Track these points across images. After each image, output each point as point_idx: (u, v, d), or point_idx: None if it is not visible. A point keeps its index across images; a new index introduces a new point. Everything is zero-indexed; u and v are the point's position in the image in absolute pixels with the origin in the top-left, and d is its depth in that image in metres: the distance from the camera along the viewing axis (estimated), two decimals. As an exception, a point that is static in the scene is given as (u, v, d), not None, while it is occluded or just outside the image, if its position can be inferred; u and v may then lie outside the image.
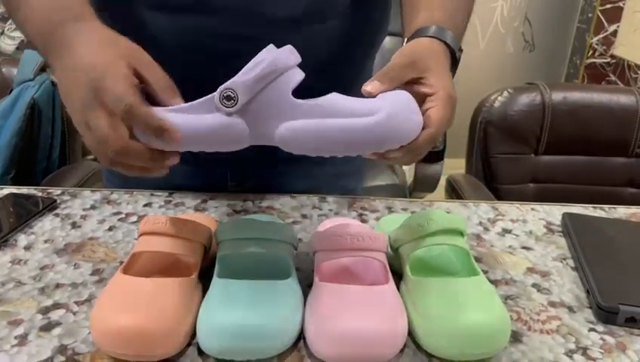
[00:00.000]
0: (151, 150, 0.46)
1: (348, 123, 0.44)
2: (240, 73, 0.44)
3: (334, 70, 0.52)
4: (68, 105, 0.48)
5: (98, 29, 0.50)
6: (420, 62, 0.50)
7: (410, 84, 0.50)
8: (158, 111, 0.45)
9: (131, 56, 0.47)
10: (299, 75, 0.45)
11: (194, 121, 0.45)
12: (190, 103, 0.45)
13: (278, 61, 0.44)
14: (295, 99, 0.45)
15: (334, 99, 0.46)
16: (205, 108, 0.45)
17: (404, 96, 0.47)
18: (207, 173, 0.75)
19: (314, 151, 0.46)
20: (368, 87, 0.48)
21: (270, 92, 0.44)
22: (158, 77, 0.47)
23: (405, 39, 0.56)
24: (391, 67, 0.50)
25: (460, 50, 0.57)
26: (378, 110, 0.45)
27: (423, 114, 0.48)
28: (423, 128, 0.47)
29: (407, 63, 0.50)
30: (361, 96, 0.48)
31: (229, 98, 0.43)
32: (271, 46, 0.45)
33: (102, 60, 0.46)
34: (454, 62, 0.55)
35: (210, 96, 0.44)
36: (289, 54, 0.45)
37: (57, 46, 0.49)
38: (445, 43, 0.53)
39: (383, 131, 0.45)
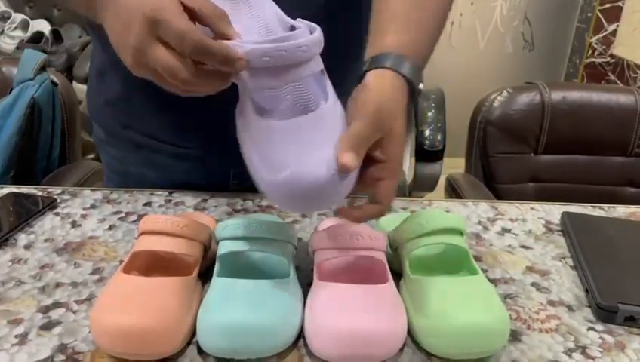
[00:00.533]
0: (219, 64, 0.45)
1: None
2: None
3: (327, 69, 0.52)
4: (122, 53, 0.48)
5: None
6: (384, 123, 0.48)
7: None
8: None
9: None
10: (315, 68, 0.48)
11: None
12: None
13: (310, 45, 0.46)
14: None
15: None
16: None
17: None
18: (210, 171, 0.75)
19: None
20: (347, 162, 0.44)
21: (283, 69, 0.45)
22: (210, 8, 0.47)
23: (367, 57, 0.53)
24: (361, 135, 0.46)
25: (420, 81, 0.54)
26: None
27: (371, 178, 0.48)
28: (373, 201, 0.49)
29: (374, 128, 0.47)
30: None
31: None
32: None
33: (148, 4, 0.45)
34: (412, 96, 0.53)
35: None
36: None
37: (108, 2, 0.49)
38: (404, 77, 0.51)
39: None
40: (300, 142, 0.45)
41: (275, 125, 0.46)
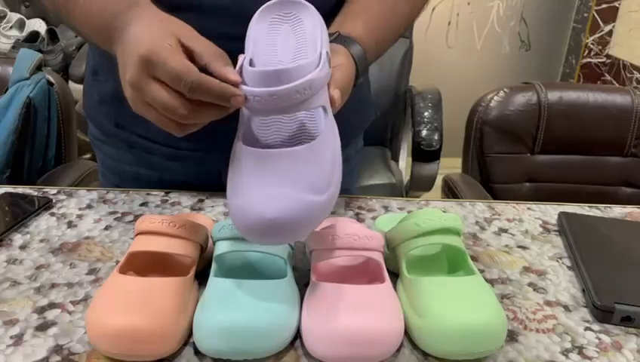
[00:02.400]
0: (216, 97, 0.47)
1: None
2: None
3: None
4: (125, 88, 0.50)
5: (150, 10, 0.52)
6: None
7: None
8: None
9: (178, 31, 0.49)
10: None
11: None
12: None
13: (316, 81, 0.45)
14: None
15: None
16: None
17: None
18: (204, 171, 0.75)
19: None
20: (337, 104, 0.50)
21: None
22: (206, 46, 0.48)
23: (332, 34, 0.59)
24: (345, 82, 0.53)
25: (365, 69, 0.61)
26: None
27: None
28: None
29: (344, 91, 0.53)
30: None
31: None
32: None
33: (148, 37, 0.47)
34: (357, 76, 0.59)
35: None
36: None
37: (119, 35, 0.51)
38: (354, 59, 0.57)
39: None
40: (268, 174, 0.45)
41: (251, 151, 0.46)
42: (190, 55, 0.48)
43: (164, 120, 0.49)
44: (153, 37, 0.47)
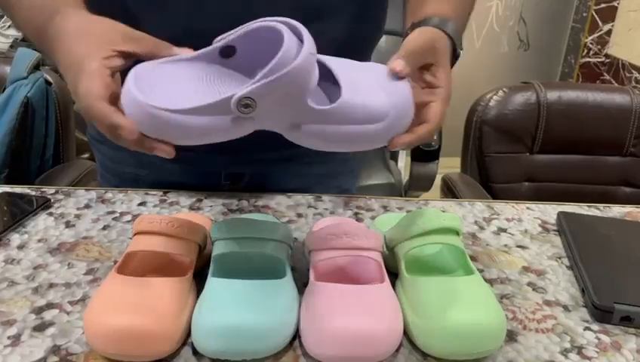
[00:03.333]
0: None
1: (356, 130, 0.45)
2: (259, 77, 0.41)
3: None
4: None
5: (73, 18, 0.49)
6: (437, 50, 0.51)
7: (420, 70, 0.51)
8: (168, 115, 0.42)
9: (113, 40, 0.46)
10: (316, 78, 0.44)
11: (206, 122, 0.43)
12: (201, 105, 0.42)
13: (299, 70, 0.42)
14: (310, 104, 0.44)
15: (347, 104, 0.45)
16: (218, 110, 0.43)
17: (407, 97, 0.48)
18: (202, 172, 0.75)
19: (321, 148, 0.47)
20: (397, 67, 0.48)
21: (287, 98, 0.43)
22: (143, 45, 0.47)
23: (409, 25, 0.55)
24: (416, 49, 0.50)
25: (461, 48, 0.57)
26: (385, 116, 0.46)
27: (424, 105, 0.49)
28: (421, 122, 0.49)
29: (429, 47, 0.51)
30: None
31: (247, 106, 0.42)
32: (288, 39, 0.42)
33: (75, 59, 0.45)
34: (453, 58, 0.56)
35: (223, 98, 0.42)
36: (310, 57, 0.43)
37: (49, 45, 0.49)
38: (449, 37, 0.54)
39: (386, 134, 0.47)
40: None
41: None
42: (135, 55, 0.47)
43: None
44: (82, 56, 0.45)
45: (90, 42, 0.46)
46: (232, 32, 0.46)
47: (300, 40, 0.43)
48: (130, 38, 0.47)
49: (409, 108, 0.47)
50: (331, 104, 0.45)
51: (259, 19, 0.45)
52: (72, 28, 0.48)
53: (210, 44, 0.51)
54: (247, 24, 0.45)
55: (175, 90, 0.45)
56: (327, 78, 0.48)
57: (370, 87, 0.47)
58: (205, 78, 0.47)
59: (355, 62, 0.50)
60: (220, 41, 0.46)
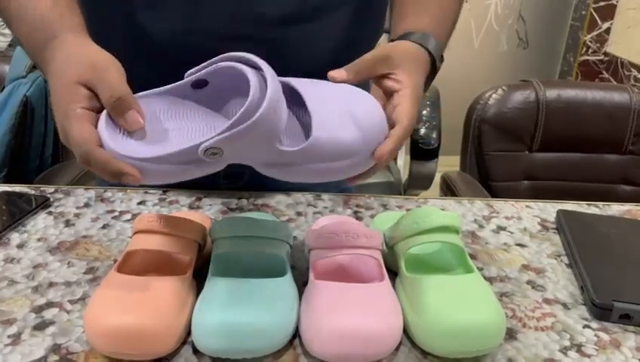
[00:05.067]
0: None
1: (326, 167, 0.46)
2: (227, 127, 0.41)
3: (326, 71, 0.52)
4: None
5: (66, 45, 0.48)
6: (393, 59, 0.51)
7: (379, 78, 0.51)
8: (139, 163, 0.42)
9: (87, 79, 0.45)
10: (284, 121, 0.44)
11: (176, 168, 0.43)
12: (167, 152, 0.42)
13: (263, 120, 0.41)
14: (278, 148, 0.44)
15: (316, 144, 0.45)
16: (187, 157, 0.43)
17: (378, 119, 0.48)
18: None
19: (300, 181, 0.47)
20: (335, 73, 0.49)
21: (254, 144, 0.43)
22: (107, 97, 0.45)
23: (405, 34, 0.56)
24: (363, 59, 0.51)
25: (441, 60, 0.58)
26: (356, 153, 0.46)
27: (392, 110, 0.49)
28: (393, 126, 0.48)
29: (380, 57, 0.51)
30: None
31: (214, 153, 0.42)
32: (254, 82, 0.42)
33: (61, 94, 0.45)
34: (433, 71, 0.57)
35: (189, 147, 0.42)
36: (273, 104, 0.42)
37: (44, 69, 0.50)
38: (427, 50, 0.54)
39: (359, 167, 0.48)
40: None
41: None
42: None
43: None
44: (64, 95, 0.45)
45: (70, 78, 0.45)
46: (201, 66, 0.46)
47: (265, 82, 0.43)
48: (104, 81, 0.45)
49: (380, 132, 0.47)
50: (303, 142, 0.45)
51: (226, 55, 0.45)
52: (58, 60, 0.47)
53: (210, 43, 0.51)
54: (216, 59, 0.45)
55: (148, 129, 0.45)
56: (298, 102, 0.48)
57: (340, 114, 0.47)
58: (177, 114, 0.48)
59: (322, 82, 0.50)
60: (190, 76, 0.47)
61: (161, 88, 0.47)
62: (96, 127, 0.44)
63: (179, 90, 0.48)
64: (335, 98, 0.48)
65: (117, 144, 0.43)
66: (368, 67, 0.51)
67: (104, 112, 0.44)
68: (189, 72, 0.47)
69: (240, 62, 0.44)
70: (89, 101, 0.44)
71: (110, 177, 0.43)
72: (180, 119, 0.48)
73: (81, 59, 0.46)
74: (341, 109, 0.47)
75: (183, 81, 0.47)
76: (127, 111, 0.44)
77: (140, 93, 0.46)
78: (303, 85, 0.48)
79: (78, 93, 0.45)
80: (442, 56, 0.59)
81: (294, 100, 0.48)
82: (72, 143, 0.44)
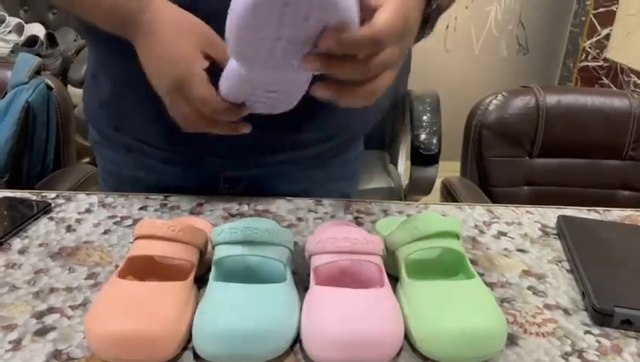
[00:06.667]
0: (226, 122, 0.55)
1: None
2: None
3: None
4: (155, 87, 0.56)
5: (171, 13, 0.55)
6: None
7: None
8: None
9: (204, 43, 0.54)
10: None
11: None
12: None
13: None
14: None
15: None
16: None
17: None
18: (201, 175, 0.75)
19: None
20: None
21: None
22: (223, 55, 0.51)
23: None
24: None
25: (438, 12, 0.53)
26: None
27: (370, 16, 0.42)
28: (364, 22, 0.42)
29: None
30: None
31: None
32: None
33: (181, 56, 0.53)
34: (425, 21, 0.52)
35: None
36: None
37: (137, 24, 0.55)
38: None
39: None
40: None
41: None
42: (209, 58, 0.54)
43: (181, 122, 0.57)
44: (186, 57, 0.53)
45: (188, 44, 0.54)
46: None
47: None
48: (217, 44, 0.54)
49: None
50: None
51: None
52: (172, 23, 0.55)
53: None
54: None
55: None
56: None
57: None
58: None
59: None
60: None
61: None
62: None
63: None
64: None
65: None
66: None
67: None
68: None
69: None
70: (203, 63, 0.54)
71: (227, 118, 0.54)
72: None
73: (195, 26, 0.55)
74: None
75: None
76: None
77: None
78: None
79: (197, 54, 0.54)
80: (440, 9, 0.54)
81: None
82: (199, 100, 0.53)
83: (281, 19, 0.40)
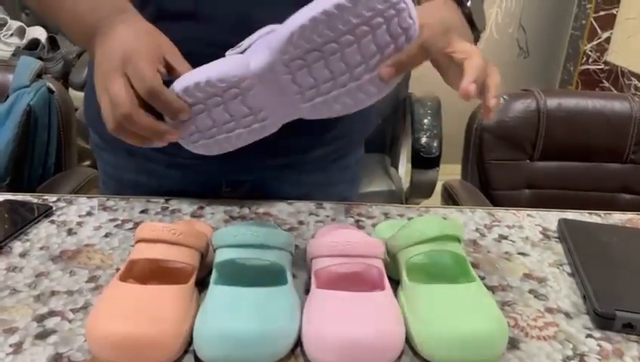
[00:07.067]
0: (155, 123, 0.53)
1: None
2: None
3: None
4: (96, 75, 0.54)
5: (140, 21, 0.57)
6: (428, 48, 0.55)
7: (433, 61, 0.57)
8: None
9: (164, 46, 0.55)
10: None
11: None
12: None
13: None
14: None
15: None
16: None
17: None
18: (203, 179, 0.75)
19: None
20: (383, 72, 0.53)
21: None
22: (185, 68, 0.55)
23: None
24: (404, 53, 0.53)
25: (483, 27, 0.61)
26: None
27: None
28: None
29: (441, 31, 0.55)
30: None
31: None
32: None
33: (137, 43, 0.53)
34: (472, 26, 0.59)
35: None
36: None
37: (103, 34, 0.55)
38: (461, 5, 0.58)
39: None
40: None
41: None
42: (169, 69, 0.55)
43: (108, 110, 0.52)
44: (141, 44, 0.53)
45: (149, 40, 0.54)
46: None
47: None
48: (178, 56, 0.55)
49: None
50: None
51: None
52: (138, 26, 0.56)
53: (209, 45, 0.55)
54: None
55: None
56: None
57: None
58: None
59: None
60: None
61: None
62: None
63: None
64: None
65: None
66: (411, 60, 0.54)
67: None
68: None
69: None
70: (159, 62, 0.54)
71: (170, 113, 0.53)
72: None
73: (160, 34, 0.56)
74: None
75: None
76: None
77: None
78: None
79: (154, 49, 0.54)
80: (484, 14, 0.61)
81: None
82: (138, 75, 0.51)
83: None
